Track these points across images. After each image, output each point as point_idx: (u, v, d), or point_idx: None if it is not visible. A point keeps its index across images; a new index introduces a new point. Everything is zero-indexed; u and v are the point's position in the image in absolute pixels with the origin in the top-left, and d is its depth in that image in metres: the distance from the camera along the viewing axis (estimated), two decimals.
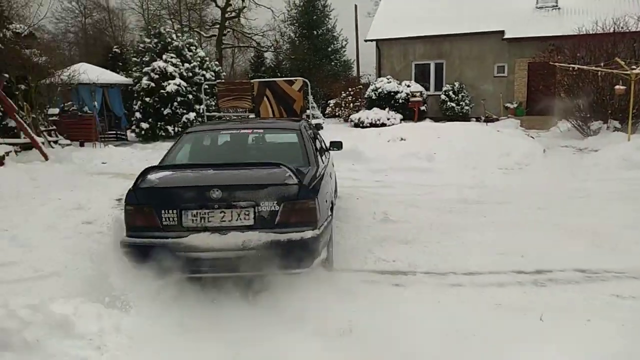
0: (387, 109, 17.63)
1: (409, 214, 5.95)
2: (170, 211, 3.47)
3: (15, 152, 11.19)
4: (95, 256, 4.33)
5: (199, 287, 3.74)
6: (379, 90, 18.26)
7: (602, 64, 10.27)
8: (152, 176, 3.68)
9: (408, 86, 18.34)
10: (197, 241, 3.40)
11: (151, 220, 3.51)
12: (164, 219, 3.49)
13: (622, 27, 11.65)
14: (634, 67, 9.57)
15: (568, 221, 5.49)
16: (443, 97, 18.24)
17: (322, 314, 3.29)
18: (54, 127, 13.62)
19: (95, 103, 14.61)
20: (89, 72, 14.28)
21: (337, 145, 5.86)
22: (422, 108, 18.17)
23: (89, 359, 2.60)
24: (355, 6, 27.51)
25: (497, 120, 16.23)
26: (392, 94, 18.05)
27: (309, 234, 3.44)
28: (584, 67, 10.73)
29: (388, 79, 18.74)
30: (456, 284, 3.85)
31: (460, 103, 17.96)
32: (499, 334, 2.98)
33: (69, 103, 15.49)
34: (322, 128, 16.68)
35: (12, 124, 11.98)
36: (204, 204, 3.45)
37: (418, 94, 18.04)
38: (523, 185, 7.64)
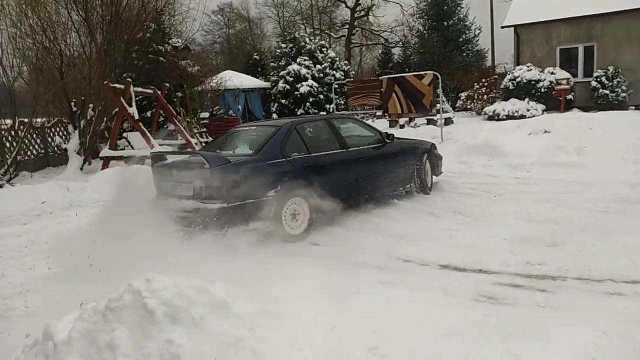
0: (526, 100, 16.29)
1: (556, 214, 5.46)
2: (164, 183, 5.19)
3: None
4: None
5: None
6: (518, 79, 16.93)
7: None
8: (161, 158, 5.60)
9: (552, 73, 16.70)
10: (170, 204, 4.90)
11: (160, 188, 5.26)
12: (162, 188, 5.21)
13: None
14: None
15: None
16: (594, 83, 16.26)
17: (457, 312, 3.20)
18: (205, 129, 15.22)
19: (239, 106, 15.97)
20: (234, 79, 15.68)
21: (390, 137, 6.58)
22: (569, 97, 16.42)
23: (243, 338, 2.85)
24: None
25: None
26: (533, 82, 16.61)
27: (216, 206, 4.58)
28: None
29: (528, 66, 17.29)
30: (615, 293, 3.44)
31: (615, 90, 15.84)
32: None
33: (217, 107, 17.19)
34: (452, 122, 16.08)
35: (171, 127, 13.68)
36: (172, 179, 5.08)
37: (564, 81, 16.33)
38: None
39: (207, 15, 35.16)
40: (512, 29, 18.47)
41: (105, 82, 10.64)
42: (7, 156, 10.50)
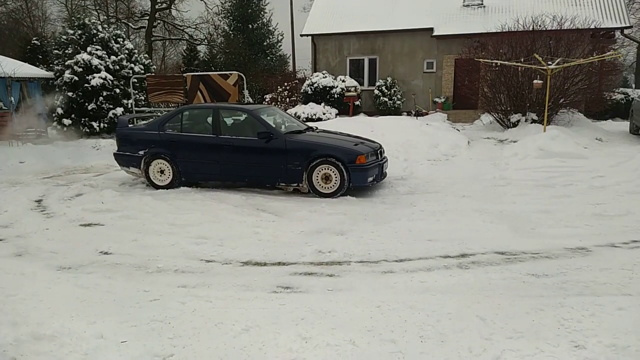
0: (322, 104, 17.80)
1: (344, 207, 6.08)
2: None
3: None
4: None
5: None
6: (315, 85, 18.39)
7: (522, 60, 10.86)
8: None
9: (343, 81, 18.62)
10: None
11: None
12: None
13: (540, 26, 12.44)
14: (549, 62, 10.24)
15: (490, 207, 5.86)
16: (376, 92, 18.68)
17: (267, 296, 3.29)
18: None
19: (12, 98, 13.55)
20: (4, 65, 13.21)
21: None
22: (357, 103, 18.53)
23: None
24: (291, 1, 27.46)
25: (427, 114, 16.87)
26: (328, 88, 18.25)
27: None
28: (506, 62, 11.32)
29: (324, 74, 18.92)
30: (388, 271, 4.00)
31: (393, 98, 18.49)
32: (427, 315, 3.15)
33: None
34: None
35: None
36: None
37: (353, 88, 18.38)
38: (449, 175, 8.04)
39: None
40: (310, 38, 19.95)
41: None
42: None
